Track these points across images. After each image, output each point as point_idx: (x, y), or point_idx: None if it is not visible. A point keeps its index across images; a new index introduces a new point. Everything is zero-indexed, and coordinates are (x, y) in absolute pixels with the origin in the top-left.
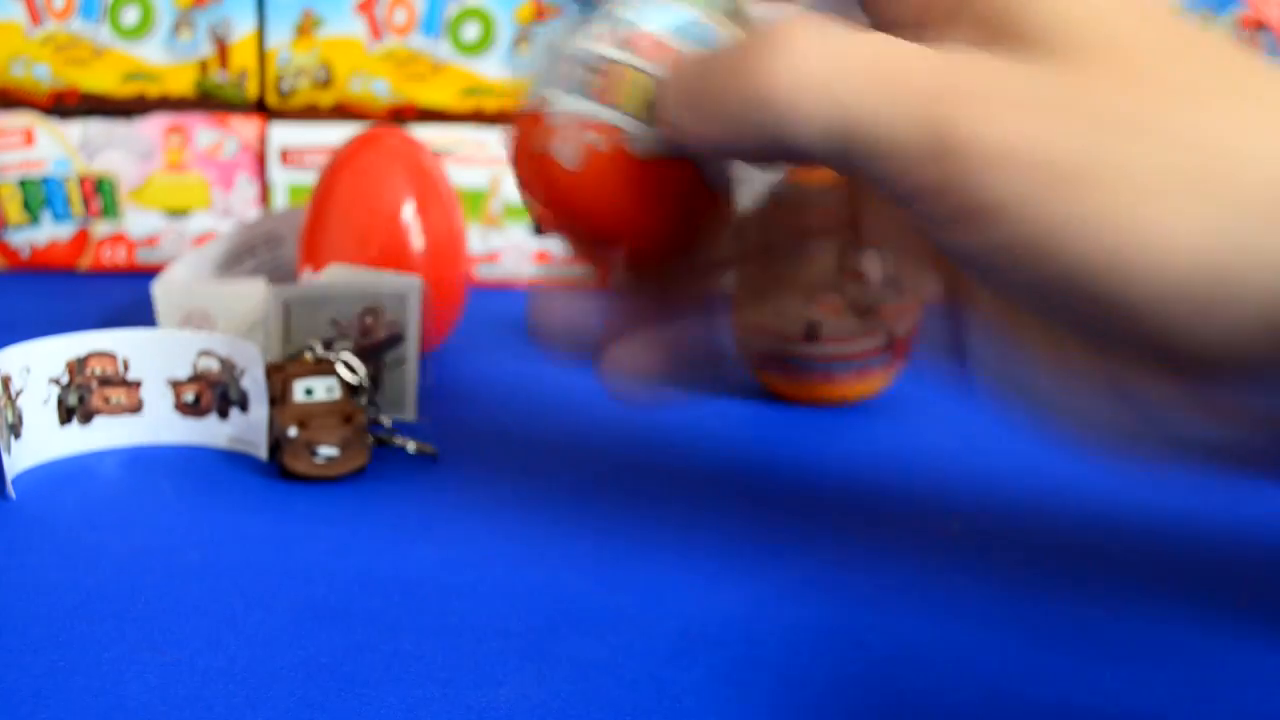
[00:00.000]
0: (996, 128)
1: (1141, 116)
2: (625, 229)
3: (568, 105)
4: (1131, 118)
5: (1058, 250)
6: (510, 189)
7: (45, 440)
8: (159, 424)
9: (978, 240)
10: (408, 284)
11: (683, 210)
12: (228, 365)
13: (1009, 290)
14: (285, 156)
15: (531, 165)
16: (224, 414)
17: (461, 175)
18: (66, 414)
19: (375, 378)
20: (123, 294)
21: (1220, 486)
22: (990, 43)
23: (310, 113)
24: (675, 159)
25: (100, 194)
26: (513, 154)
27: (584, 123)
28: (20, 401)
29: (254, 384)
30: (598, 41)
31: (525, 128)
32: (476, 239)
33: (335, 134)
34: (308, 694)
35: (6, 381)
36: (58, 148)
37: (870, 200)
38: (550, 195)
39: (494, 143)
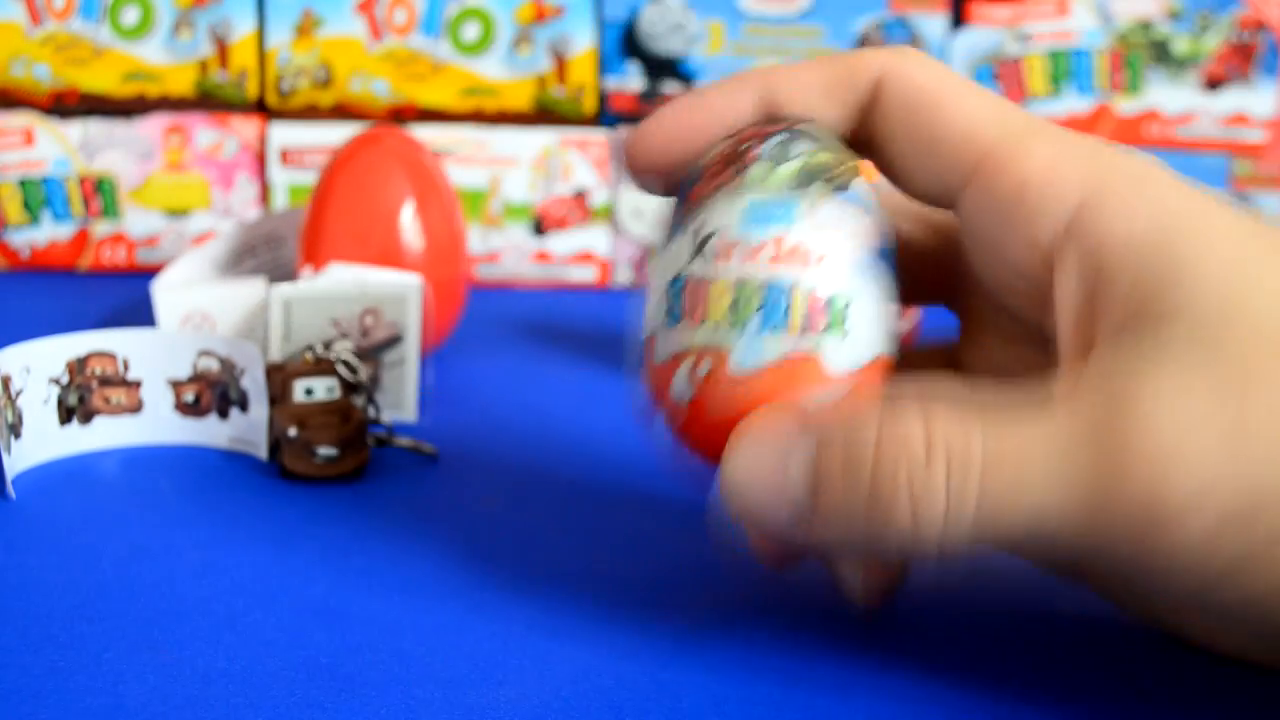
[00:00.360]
0: (1173, 479)
1: None
2: None
3: (668, 335)
4: None
5: (1248, 583)
6: (510, 189)
7: (45, 440)
8: (159, 424)
9: (1157, 587)
10: (408, 284)
11: None
12: (228, 365)
13: (1180, 614)
14: (285, 156)
15: (656, 402)
16: (224, 414)
17: (461, 175)
18: (66, 414)
19: (375, 378)
20: (123, 294)
21: None
22: (1133, 325)
23: (310, 113)
24: (785, 362)
25: (100, 194)
26: (646, 388)
27: (685, 352)
28: (20, 401)
29: (254, 384)
30: (680, 258)
31: (645, 363)
32: (476, 239)
33: (335, 134)
34: (308, 694)
35: (6, 381)
36: (58, 148)
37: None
38: (678, 432)
39: (494, 143)
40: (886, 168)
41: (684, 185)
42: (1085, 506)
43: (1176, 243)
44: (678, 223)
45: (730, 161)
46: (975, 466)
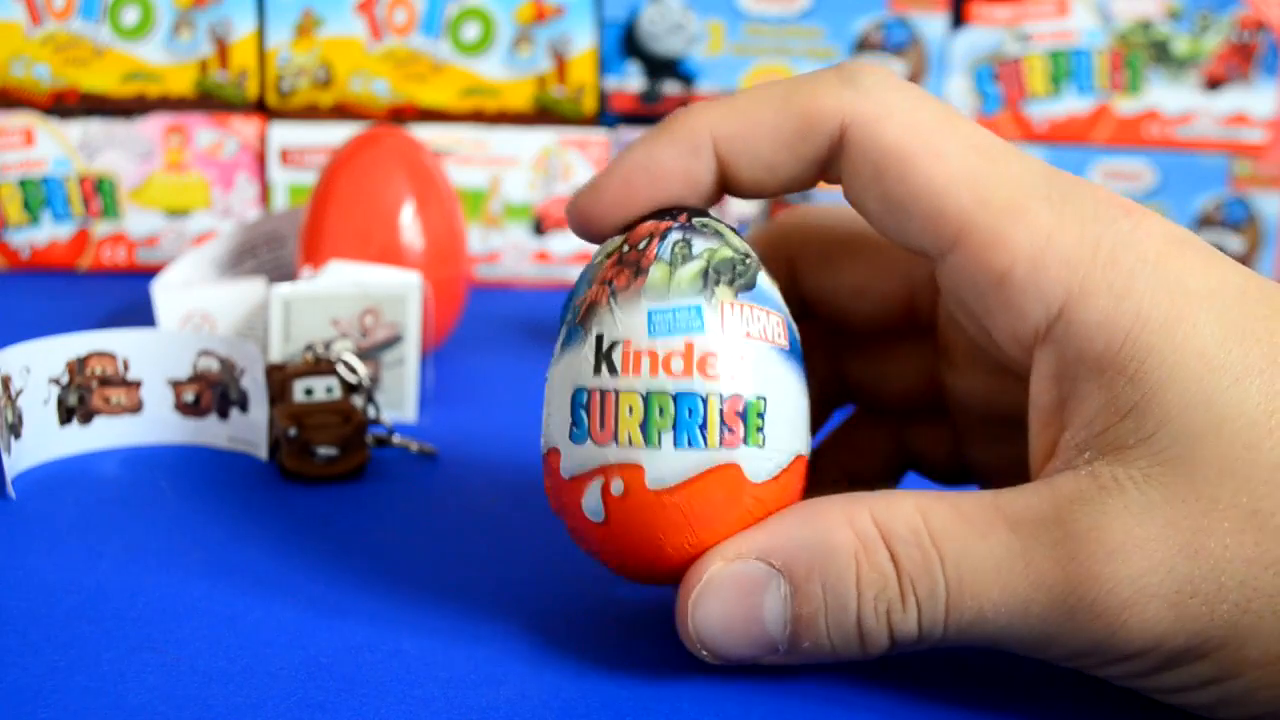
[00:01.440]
0: (1124, 568)
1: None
2: (672, 561)
3: (574, 451)
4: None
5: (1220, 657)
6: (510, 189)
7: (45, 440)
8: (159, 424)
9: (1122, 671)
10: (408, 284)
11: (722, 525)
12: (228, 365)
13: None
14: (285, 156)
15: (562, 511)
16: (224, 414)
17: (461, 175)
18: (66, 414)
19: (375, 378)
20: (123, 294)
21: None
22: (1096, 447)
23: (310, 113)
24: (705, 475)
25: (100, 194)
26: (548, 492)
27: (595, 471)
28: (20, 401)
29: (254, 384)
30: (580, 369)
31: (550, 475)
32: (476, 239)
33: (335, 134)
34: (308, 694)
35: (6, 381)
36: (58, 148)
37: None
38: (592, 547)
39: (494, 142)
40: (859, 214)
41: (576, 287)
42: (1043, 624)
43: (1149, 365)
44: (572, 327)
45: (626, 263)
46: (940, 599)
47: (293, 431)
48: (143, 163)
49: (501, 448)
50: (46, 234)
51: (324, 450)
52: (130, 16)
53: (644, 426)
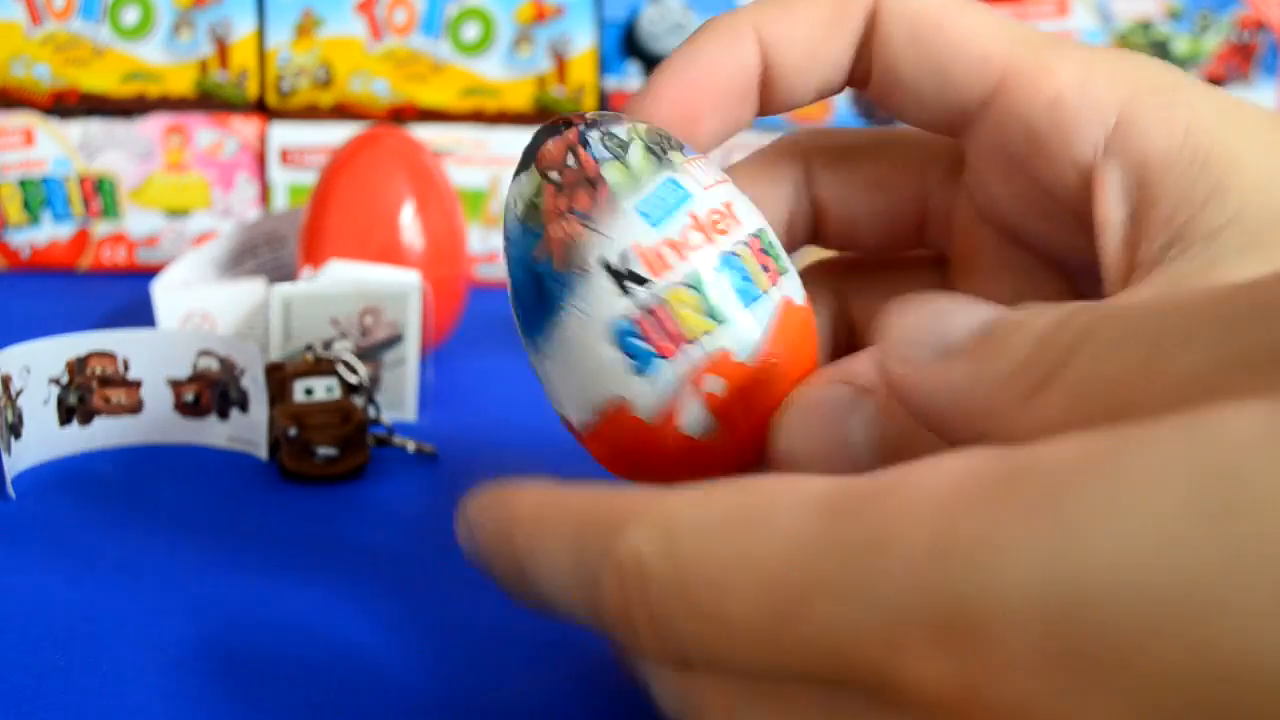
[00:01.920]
0: None
1: None
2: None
3: (650, 385)
4: None
5: None
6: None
7: (45, 440)
8: (159, 424)
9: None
10: (408, 284)
11: (807, 358)
12: (228, 365)
13: None
14: (285, 156)
15: (645, 462)
16: (224, 414)
17: (461, 175)
18: (66, 414)
19: (375, 378)
20: (123, 294)
21: None
22: (1180, 245)
23: (310, 113)
24: (776, 323)
25: (100, 194)
26: (616, 453)
27: (682, 385)
28: (20, 401)
29: (254, 384)
30: (600, 310)
31: (618, 433)
32: (476, 239)
33: (335, 134)
34: (308, 694)
35: (6, 381)
36: (58, 148)
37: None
38: (694, 467)
39: (494, 142)
40: (888, 98)
41: (520, 244)
42: None
43: (1215, 153)
44: (556, 282)
45: (572, 186)
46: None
47: (293, 431)
48: (143, 163)
49: (501, 448)
50: (46, 234)
51: (324, 450)
52: (130, 16)
53: (707, 311)
